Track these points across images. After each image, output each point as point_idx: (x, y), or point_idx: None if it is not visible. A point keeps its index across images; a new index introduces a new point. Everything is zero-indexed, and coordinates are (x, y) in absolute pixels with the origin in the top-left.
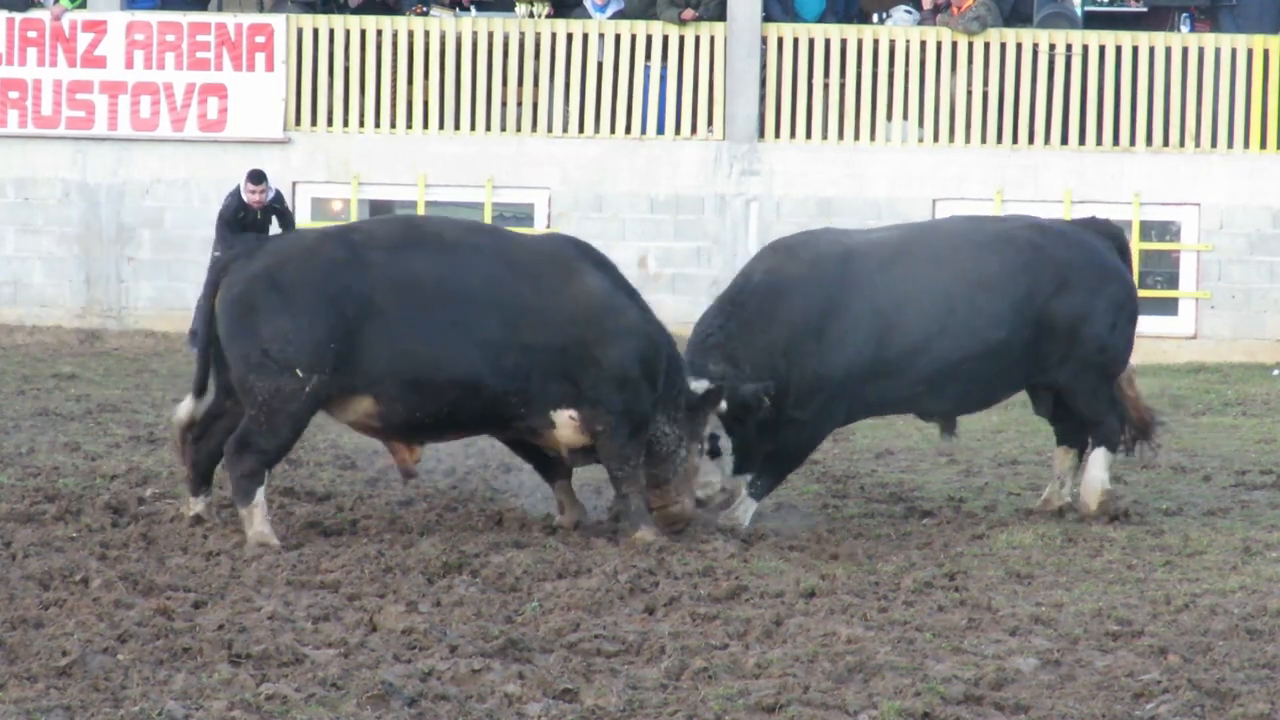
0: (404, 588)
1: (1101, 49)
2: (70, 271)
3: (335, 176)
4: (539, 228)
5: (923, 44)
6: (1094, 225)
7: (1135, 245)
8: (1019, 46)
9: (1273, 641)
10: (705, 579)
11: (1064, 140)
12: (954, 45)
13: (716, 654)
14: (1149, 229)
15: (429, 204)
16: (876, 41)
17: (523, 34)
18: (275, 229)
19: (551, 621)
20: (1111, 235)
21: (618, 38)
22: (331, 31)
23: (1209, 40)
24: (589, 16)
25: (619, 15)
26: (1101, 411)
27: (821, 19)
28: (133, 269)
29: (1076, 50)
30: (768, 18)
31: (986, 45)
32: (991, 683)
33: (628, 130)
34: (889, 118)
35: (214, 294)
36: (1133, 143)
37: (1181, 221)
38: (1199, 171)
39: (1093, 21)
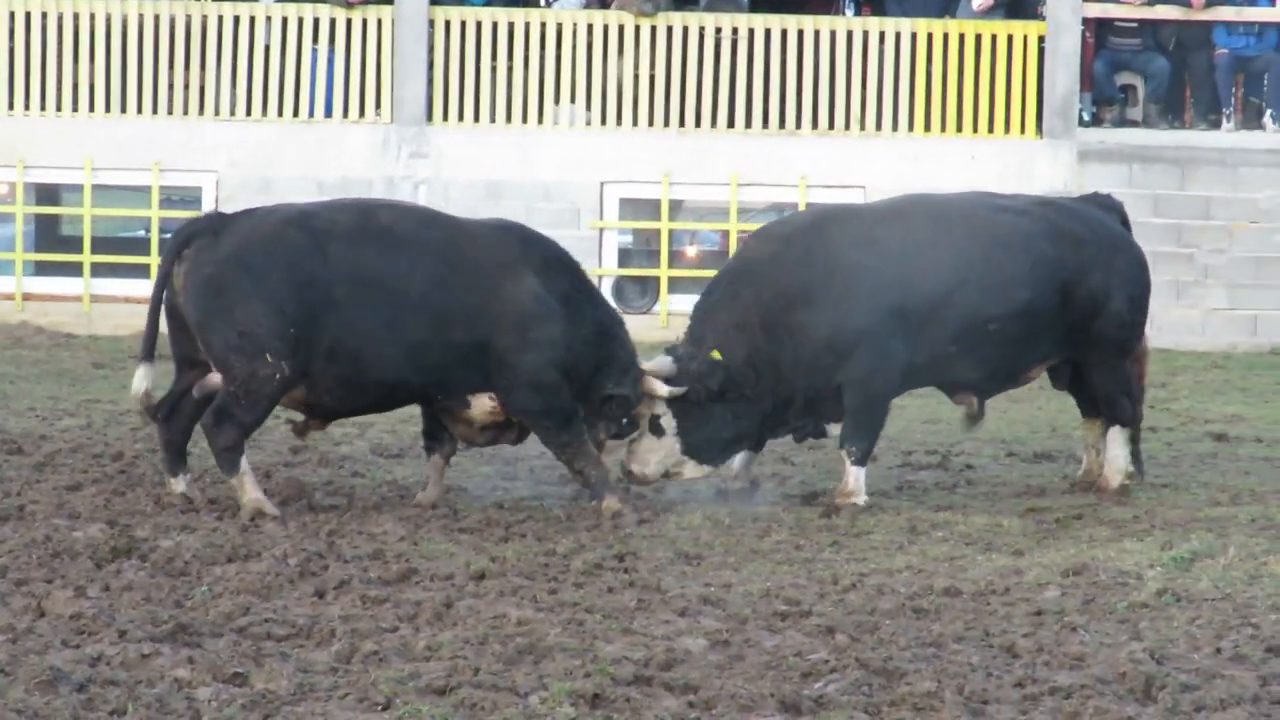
0: (72, 572)
1: (767, 33)
2: None
3: (1, 160)
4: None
5: (589, 27)
6: (1097, 200)
7: None
8: (685, 30)
9: (939, 620)
10: (375, 562)
11: (730, 124)
12: (620, 29)
13: (387, 637)
14: None
15: (95, 187)
16: (544, 25)
17: (189, 17)
18: None
19: (221, 606)
20: (1114, 209)
21: (284, 20)
22: None
23: (873, 24)
24: (255, 0)
25: None
26: (1116, 389)
27: (489, 2)
28: None
29: (743, 34)
30: (436, 1)
31: (654, 29)
32: (661, 663)
33: (295, 113)
34: (557, 101)
35: (172, 265)
36: (799, 126)
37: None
38: (866, 154)
39: (759, 6)
